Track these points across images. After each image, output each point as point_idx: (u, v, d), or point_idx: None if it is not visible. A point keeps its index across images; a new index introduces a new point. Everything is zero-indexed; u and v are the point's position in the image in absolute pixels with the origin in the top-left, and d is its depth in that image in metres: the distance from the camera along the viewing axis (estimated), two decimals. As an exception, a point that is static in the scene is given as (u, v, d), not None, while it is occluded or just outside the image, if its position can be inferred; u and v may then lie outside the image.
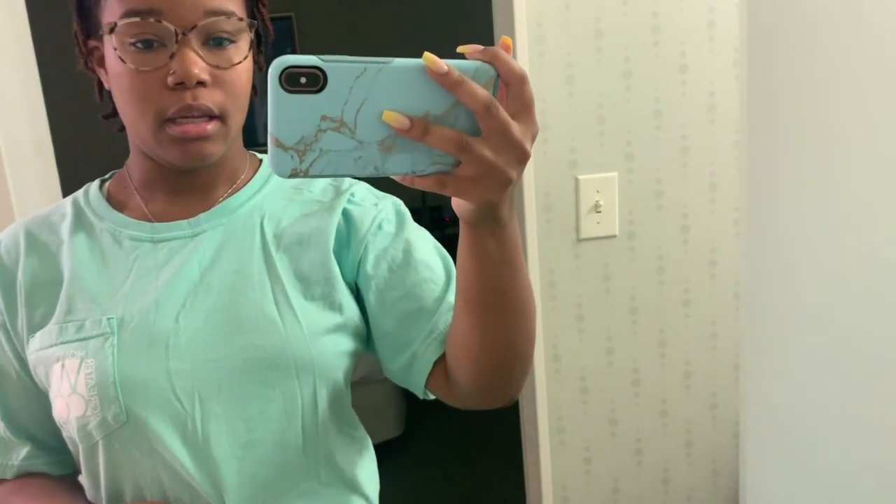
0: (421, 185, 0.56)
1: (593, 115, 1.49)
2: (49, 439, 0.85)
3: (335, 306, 0.81)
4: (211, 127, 0.74)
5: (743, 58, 0.88)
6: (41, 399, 0.82)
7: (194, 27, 0.71)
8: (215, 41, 0.74)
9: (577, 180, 1.51)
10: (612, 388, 1.62)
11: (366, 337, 0.86)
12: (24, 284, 0.81)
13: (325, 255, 0.82)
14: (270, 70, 0.50)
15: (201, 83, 0.72)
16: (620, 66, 1.48)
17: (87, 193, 0.86)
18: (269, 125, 0.51)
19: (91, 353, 0.75)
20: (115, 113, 0.82)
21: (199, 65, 0.72)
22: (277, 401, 0.77)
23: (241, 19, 0.75)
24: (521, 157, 0.56)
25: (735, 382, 1.66)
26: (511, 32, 1.41)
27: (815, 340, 0.82)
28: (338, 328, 0.81)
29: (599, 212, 1.53)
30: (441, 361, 0.79)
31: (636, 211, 1.55)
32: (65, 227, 0.83)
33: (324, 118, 0.51)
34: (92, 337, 0.76)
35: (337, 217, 0.83)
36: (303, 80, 0.50)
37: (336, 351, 0.81)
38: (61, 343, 0.77)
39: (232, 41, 0.75)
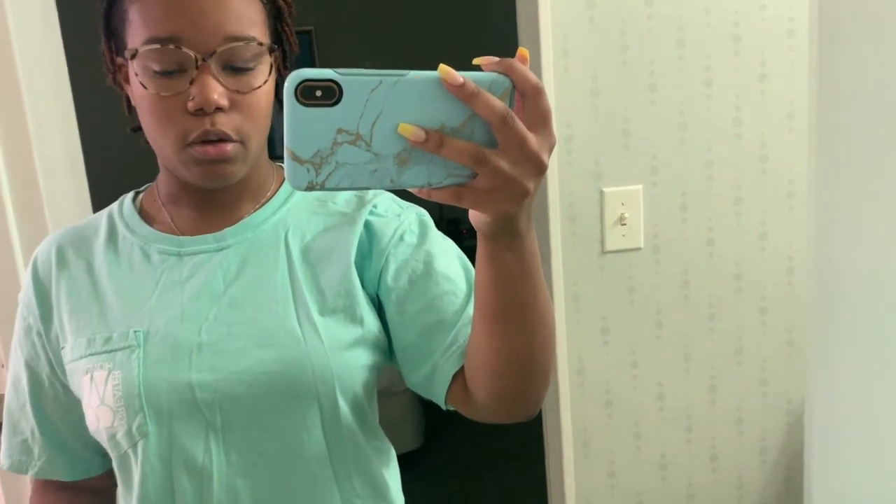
0: (438, 197, 0.56)
1: (618, 128, 1.50)
2: (78, 445, 0.88)
3: (356, 319, 0.82)
4: (230, 149, 0.75)
5: (813, 55, 0.87)
6: (72, 405, 0.84)
7: (214, 53, 0.72)
8: (235, 65, 0.74)
9: (602, 193, 1.52)
10: (637, 401, 1.62)
11: (387, 349, 0.86)
12: (57, 297, 0.83)
13: (346, 268, 0.82)
14: (286, 84, 0.50)
15: (220, 108, 0.73)
16: (645, 80, 1.48)
17: (121, 206, 0.88)
18: (285, 138, 0.51)
19: (118, 365, 0.77)
20: (141, 127, 0.84)
21: (217, 90, 0.72)
22: (298, 413, 0.78)
23: (260, 44, 0.76)
24: (539, 169, 0.55)
25: (760, 398, 1.65)
26: (536, 46, 1.42)
27: (887, 346, 0.81)
28: (358, 342, 0.81)
29: (624, 224, 1.53)
30: (461, 374, 0.79)
31: (661, 224, 1.55)
32: (98, 242, 0.85)
33: (340, 131, 0.51)
34: (119, 349, 0.78)
35: (359, 229, 0.84)
36: (318, 93, 0.50)
37: (357, 364, 0.81)
38: (90, 355, 0.79)
39: (252, 65, 0.75)
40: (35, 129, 1.26)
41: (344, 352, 0.80)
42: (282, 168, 0.90)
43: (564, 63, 1.45)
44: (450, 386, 0.80)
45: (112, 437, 0.78)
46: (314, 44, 4.14)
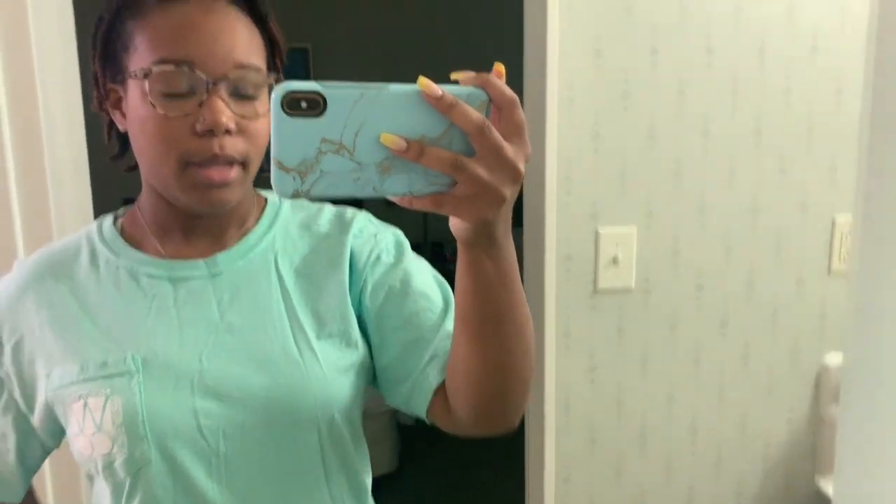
0: (419, 205, 0.58)
1: (616, 171, 1.54)
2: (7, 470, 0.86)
3: (351, 343, 0.83)
4: (233, 173, 0.76)
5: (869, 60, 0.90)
6: (30, 436, 0.84)
7: (224, 78, 0.74)
8: (241, 92, 0.76)
9: (597, 233, 1.55)
10: (620, 440, 1.64)
11: (373, 373, 0.87)
12: (27, 327, 0.81)
13: (342, 294, 0.84)
14: (273, 95, 0.52)
15: (228, 131, 0.74)
16: (645, 127, 1.53)
17: (101, 229, 0.86)
18: (271, 148, 0.53)
19: (117, 391, 0.76)
20: (121, 155, 0.84)
21: (226, 113, 0.74)
22: (299, 436, 0.80)
23: (267, 74, 0.78)
24: (515, 177, 0.57)
25: (740, 438, 1.69)
26: (542, 89, 1.46)
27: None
28: (353, 366, 0.83)
29: (617, 265, 1.56)
30: (441, 389, 0.80)
31: (652, 266, 1.59)
32: (79, 265, 0.83)
33: (324, 141, 0.53)
34: (116, 374, 0.77)
35: (348, 253, 0.86)
36: (304, 104, 0.52)
37: (353, 388, 0.83)
38: (83, 381, 0.77)
39: (256, 93, 0.77)
40: (47, 134, 1.27)
41: (342, 376, 0.81)
42: (260, 194, 0.91)
43: (569, 108, 1.49)
44: (431, 401, 0.81)
45: (109, 464, 0.76)
46: (310, 61, 4.17)
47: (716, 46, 1.52)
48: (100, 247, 0.85)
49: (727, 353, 1.65)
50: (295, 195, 0.54)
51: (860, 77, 1.53)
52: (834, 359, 1.67)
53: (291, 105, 0.52)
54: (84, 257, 0.84)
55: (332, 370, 0.80)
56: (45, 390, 0.80)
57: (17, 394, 0.83)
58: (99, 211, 1.38)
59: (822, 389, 1.69)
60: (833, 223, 1.63)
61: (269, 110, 0.77)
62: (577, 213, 1.54)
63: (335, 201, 0.93)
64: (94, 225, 0.88)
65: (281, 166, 0.53)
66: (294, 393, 0.78)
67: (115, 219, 0.89)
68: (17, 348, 0.82)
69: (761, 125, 1.57)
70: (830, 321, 1.67)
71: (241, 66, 0.75)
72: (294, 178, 0.53)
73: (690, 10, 1.50)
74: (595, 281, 1.57)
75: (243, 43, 0.76)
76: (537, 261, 1.52)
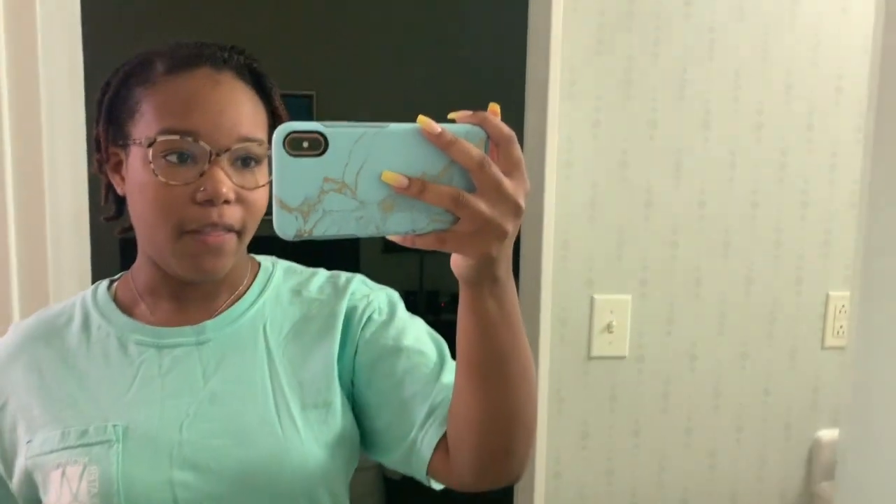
0: (421, 243, 0.58)
1: (613, 239, 1.55)
2: None
3: (335, 414, 0.82)
4: (229, 240, 0.77)
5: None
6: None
7: (227, 149, 0.75)
8: (243, 162, 0.77)
9: (592, 299, 1.56)
10: (610, 509, 1.62)
11: (359, 444, 0.86)
12: (13, 392, 0.81)
13: (328, 365, 0.83)
14: (275, 136, 0.53)
15: (227, 201, 0.75)
16: (642, 196, 1.55)
17: (95, 295, 0.87)
18: (273, 188, 0.53)
19: (95, 460, 0.75)
20: (117, 216, 0.85)
21: (227, 184, 0.75)
22: None
23: (268, 147, 0.79)
24: (516, 211, 0.58)
25: (730, 514, 1.67)
26: (542, 152, 1.48)
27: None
28: (336, 438, 0.81)
29: (612, 332, 1.57)
30: (442, 444, 0.78)
31: (647, 335, 1.59)
32: (70, 331, 0.84)
33: (326, 180, 0.53)
34: (95, 443, 0.76)
35: (340, 322, 0.85)
36: (305, 144, 0.53)
37: (336, 461, 0.81)
38: (63, 449, 0.76)
39: (257, 164, 0.78)
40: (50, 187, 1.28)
41: (323, 448, 0.80)
42: (254, 259, 0.91)
43: (566, 172, 1.51)
44: (430, 458, 0.79)
45: None
46: (314, 107, 4.23)
47: (713, 122, 1.55)
48: (93, 312, 0.85)
49: (719, 425, 1.64)
50: (297, 235, 0.54)
51: (855, 150, 1.57)
52: (827, 434, 1.66)
53: (293, 145, 0.53)
54: (76, 323, 0.85)
55: (313, 442, 0.79)
56: (24, 456, 0.79)
57: None
58: (96, 269, 1.38)
59: (815, 465, 1.68)
60: (827, 297, 1.64)
61: (269, 181, 0.78)
62: (573, 279, 1.55)
63: (338, 263, 0.93)
64: (90, 290, 0.89)
65: (283, 206, 0.53)
66: (272, 465, 0.77)
67: (111, 284, 0.89)
68: (2, 414, 0.81)
69: (757, 198, 1.59)
70: (823, 396, 1.67)
71: (245, 139, 0.76)
72: (296, 218, 0.53)
73: (688, 91, 1.53)
74: (589, 347, 1.57)
75: (248, 116, 0.78)
76: (532, 325, 1.52)
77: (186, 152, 0.74)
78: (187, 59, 0.77)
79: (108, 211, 0.87)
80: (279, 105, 0.83)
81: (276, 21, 4.04)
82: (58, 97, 1.29)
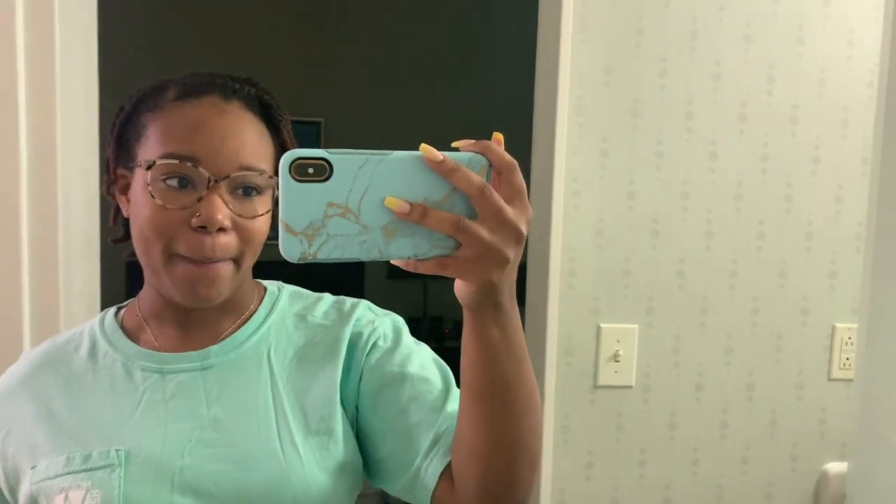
0: (423, 269, 0.58)
1: (620, 268, 1.56)
2: None
3: (337, 442, 0.82)
4: (222, 267, 0.77)
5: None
6: None
7: (227, 177, 0.75)
8: (244, 191, 0.77)
9: (598, 328, 1.56)
10: (615, 540, 1.61)
11: (362, 471, 0.85)
12: (20, 418, 0.82)
13: (331, 392, 0.83)
14: (281, 162, 0.54)
15: (222, 229, 0.76)
16: (649, 225, 1.55)
17: (103, 322, 0.88)
18: (280, 212, 0.55)
19: (97, 484, 0.75)
20: (124, 239, 0.85)
21: (223, 211, 0.75)
22: None
23: (270, 177, 0.79)
24: (518, 237, 0.58)
25: (737, 547, 1.65)
26: (549, 181, 1.49)
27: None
28: (339, 465, 0.81)
29: (618, 361, 1.57)
30: (446, 473, 0.78)
31: (653, 364, 1.59)
32: (77, 358, 0.85)
33: (330, 205, 0.55)
34: (99, 468, 0.76)
35: (344, 348, 0.85)
36: (311, 170, 0.54)
37: (338, 488, 0.81)
38: (67, 473, 0.77)
39: (257, 194, 0.79)
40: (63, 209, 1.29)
41: (325, 475, 0.79)
42: (261, 284, 0.92)
43: (574, 201, 1.52)
44: (435, 487, 0.78)
45: None
46: (322, 134, 4.26)
47: (719, 151, 1.56)
48: (100, 339, 0.86)
49: (726, 455, 1.63)
50: (303, 258, 0.55)
51: (861, 183, 1.58)
52: (834, 467, 1.65)
53: (299, 171, 0.54)
54: (84, 350, 0.86)
55: (315, 468, 0.79)
56: (30, 482, 0.79)
57: (1, 485, 0.83)
58: (104, 292, 1.39)
59: (822, 498, 1.66)
60: (833, 329, 1.64)
61: (269, 210, 0.79)
62: (580, 307, 1.55)
63: (342, 289, 0.94)
64: (98, 317, 0.90)
65: (289, 229, 0.55)
66: (273, 491, 0.77)
67: (118, 310, 0.90)
68: (5, 442, 0.82)
69: (764, 228, 1.59)
70: (830, 428, 1.66)
71: (245, 168, 0.77)
72: (301, 241, 0.55)
73: (695, 122, 1.55)
74: (595, 376, 1.57)
75: (251, 146, 0.78)
76: (538, 354, 1.52)
77: (186, 177, 0.75)
78: (197, 87, 0.79)
79: (116, 233, 0.88)
80: (288, 139, 0.84)
81: (285, 47, 4.10)
82: (72, 121, 1.31)
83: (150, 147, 0.77)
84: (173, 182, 0.75)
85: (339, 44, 4.24)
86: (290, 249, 0.55)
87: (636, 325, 1.57)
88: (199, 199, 0.75)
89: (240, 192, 0.77)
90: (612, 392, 1.58)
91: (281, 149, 0.83)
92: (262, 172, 0.78)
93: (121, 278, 0.99)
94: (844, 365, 1.64)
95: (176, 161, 0.75)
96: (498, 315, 0.64)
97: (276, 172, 0.81)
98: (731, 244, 1.58)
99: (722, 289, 1.59)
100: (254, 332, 0.85)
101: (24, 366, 0.86)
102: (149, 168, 0.75)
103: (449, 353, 0.88)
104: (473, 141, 0.59)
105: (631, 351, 1.57)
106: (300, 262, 0.56)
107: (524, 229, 0.59)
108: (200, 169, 0.74)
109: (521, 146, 1.71)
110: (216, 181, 0.75)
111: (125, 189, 0.81)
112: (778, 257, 1.61)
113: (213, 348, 0.83)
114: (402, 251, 0.57)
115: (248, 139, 0.78)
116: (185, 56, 3.43)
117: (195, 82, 0.79)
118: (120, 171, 0.82)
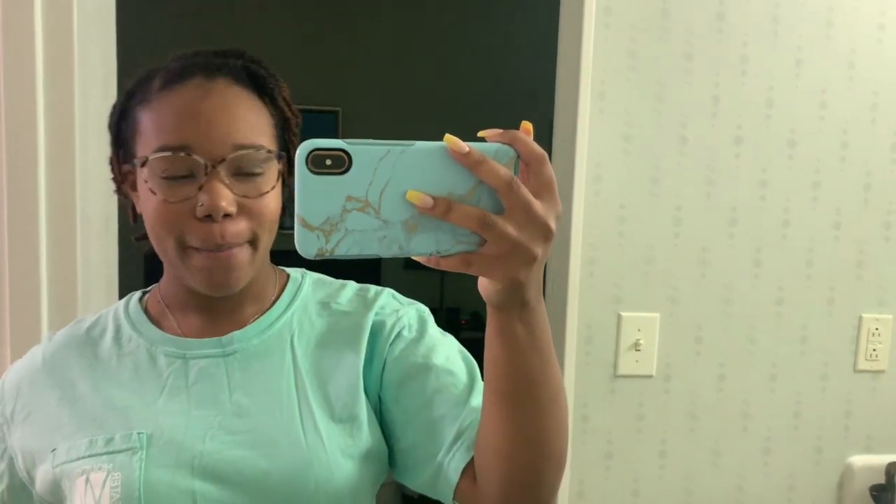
0: (446, 265, 0.56)
1: (641, 256, 1.53)
2: None
3: (361, 429, 0.81)
4: (237, 252, 0.76)
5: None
6: None
7: (223, 160, 0.73)
8: (244, 171, 0.75)
9: (619, 317, 1.54)
10: (634, 531, 1.59)
11: (387, 460, 0.84)
12: (42, 401, 0.82)
13: (354, 379, 0.82)
14: (297, 153, 0.51)
15: (228, 215, 0.74)
16: (672, 213, 1.53)
17: (127, 306, 0.88)
18: (296, 206, 0.52)
19: (118, 467, 0.75)
20: (146, 236, 0.84)
21: (227, 197, 0.73)
22: None
23: (269, 151, 0.77)
24: (546, 234, 0.55)
25: (758, 540, 1.62)
26: (570, 168, 1.47)
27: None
28: (362, 453, 0.80)
29: (639, 350, 1.54)
30: (469, 468, 0.76)
31: (674, 354, 1.56)
32: (103, 343, 0.85)
33: (349, 199, 0.52)
34: (120, 451, 0.76)
35: (366, 335, 0.84)
36: (328, 161, 0.51)
37: (360, 475, 0.80)
38: (89, 456, 0.77)
39: (260, 171, 0.76)
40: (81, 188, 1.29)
41: (348, 461, 0.78)
42: (283, 271, 0.90)
43: (595, 188, 1.50)
44: (458, 482, 0.77)
45: None
46: (340, 124, 4.25)
47: (745, 136, 1.53)
48: (124, 324, 0.86)
49: (748, 447, 1.60)
50: (319, 254, 0.53)
51: (890, 170, 1.54)
52: (859, 460, 1.61)
53: (316, 163, 0.51)
54: (109, 334, 0.85)
55: (338, 454, 0.78)
56: (51, 464, 0.79)
57: (19, 465, 0.83)
58: (122, 275, 1.39)
59: (847, 492, 1.63)
60: (860, 320, 1.61)
61: (275, 186, 0.77)
62: (601, 295, 1.53)
63: (359, 279, 0.92)
64: (122, 301, 0.89)
65: (305, 224, 0.52)
66: (294, 477, 0.76)
67: (143, 295, 0.90)
68: (27, 423, 0.82)
69: (789, 216, 1.56)
70: (855, 420, 1.63)
71: (241, 147, 0.75)
72: (318, 237, 0.52)
73: (720, 107, 1.51)
74: (615, 366, 1.54)
75: (244, 122, 0.76)
76: (558, 343, 1.50)
77: (183, 167, 0.73)
78: (180, 71, 0.77)
79: (138, 230, 0.86)
80: (284, 106, 0.82)
81: (303, 36, 4.09)
82: (90, 102, 1.31)
83: (144, 142, 0.75)
84: (171, 174, 0.73)
85: (356, 31, 4.23)
86: (307, 246, 0.53)
87: (657, 314, 1.55)
88: (201, 188, 0.73)
89: (242, 172, 0.75)
90: (633, 381, 1.56)
91: (279, 118, 0.81)
92: (259, 148, 0.76)
93: (139, 259, 0.98)
94: (871, 356, 1.61)
95: (168, 153, 0.73)
96: (524, 313, 0.61)
97: (279, 145, 0.80)
98: (755, 232, 1.55)
99: (746, 277, 1.56)
100: (277, 319, 0.84)
101: (49, 348, 0.86)
102: (143, 165, 0.74)
103: (466, 344, 0.87)
104: (501, 131, 0.56)
105: (652, 340, 1.55)
106: (317, 259, 0.54)
107: (553, 225, 0.56)
108: (195, 156, 0.73)
109: (542, 132, 1.70)
110: (213, 166, 0.73)
111: (135, 185, 0.80)
112: (804, 246, 1.57)
113: (237, 334, 0.83)
114: (424, 247, 0.55)
115: (240, 115, 0.76)
116: (203, 45, 3.43)
117: (177, 66, 0.77)
118: (125, 168, 0.81)
